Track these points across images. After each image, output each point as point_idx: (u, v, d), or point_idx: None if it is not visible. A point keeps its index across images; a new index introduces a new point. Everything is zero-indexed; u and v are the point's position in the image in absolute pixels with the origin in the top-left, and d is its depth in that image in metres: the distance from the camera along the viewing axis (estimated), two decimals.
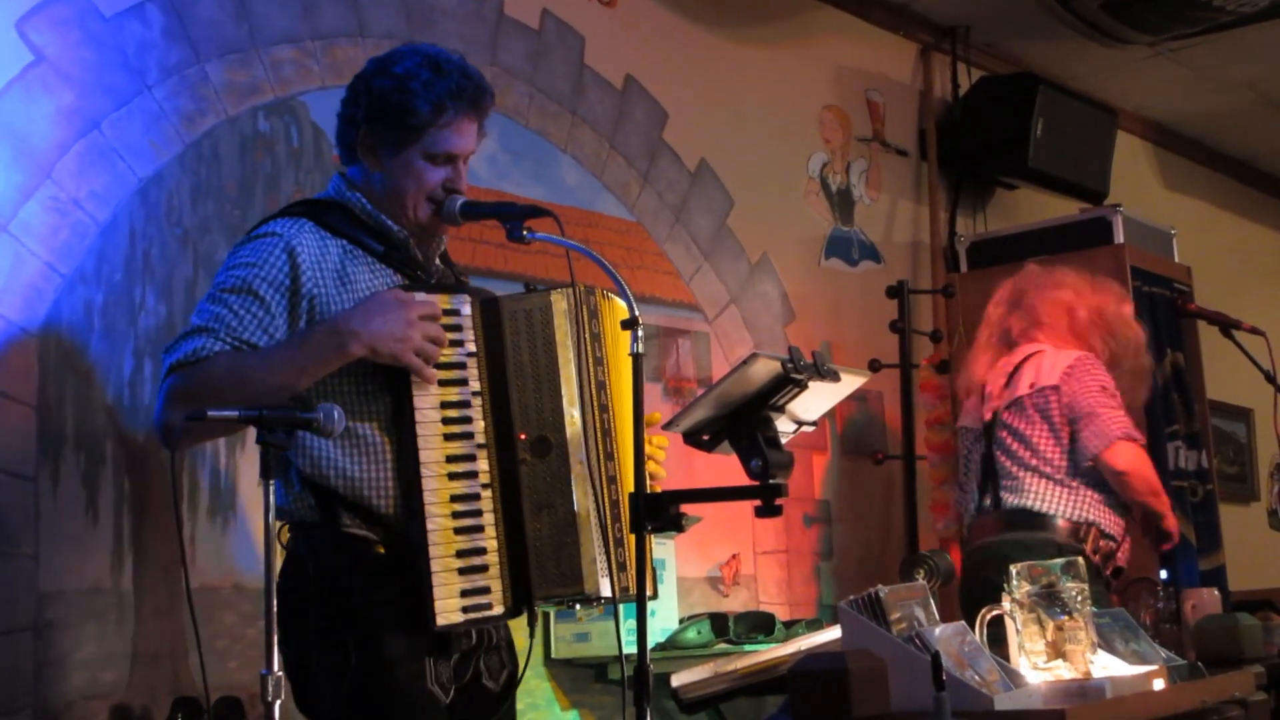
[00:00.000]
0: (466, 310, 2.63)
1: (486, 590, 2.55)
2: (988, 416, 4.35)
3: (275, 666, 2.23)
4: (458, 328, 2.61)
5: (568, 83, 4.62)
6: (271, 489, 2.29)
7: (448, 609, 2.49)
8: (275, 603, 2.26)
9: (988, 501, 4.30)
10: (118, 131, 3.46)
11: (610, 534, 2.63)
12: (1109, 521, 4.16)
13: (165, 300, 3.49)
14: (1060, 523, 4.11)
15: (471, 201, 2.77)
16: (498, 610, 2.57)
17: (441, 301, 2.61)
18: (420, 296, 2.56)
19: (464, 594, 2.52)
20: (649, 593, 2.54)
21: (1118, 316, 4.41)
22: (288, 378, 2.51)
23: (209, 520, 3.46)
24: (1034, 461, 4.21)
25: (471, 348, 2.62)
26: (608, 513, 2.64)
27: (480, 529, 2.56)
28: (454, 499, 2.54)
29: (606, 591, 2.62)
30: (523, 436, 2.62)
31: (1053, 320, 4.36)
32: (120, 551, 3.32)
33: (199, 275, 3.56)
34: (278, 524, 2.59)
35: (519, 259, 4.20)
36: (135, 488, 3.37)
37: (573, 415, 2.64)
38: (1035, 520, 4.13)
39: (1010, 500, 4.22)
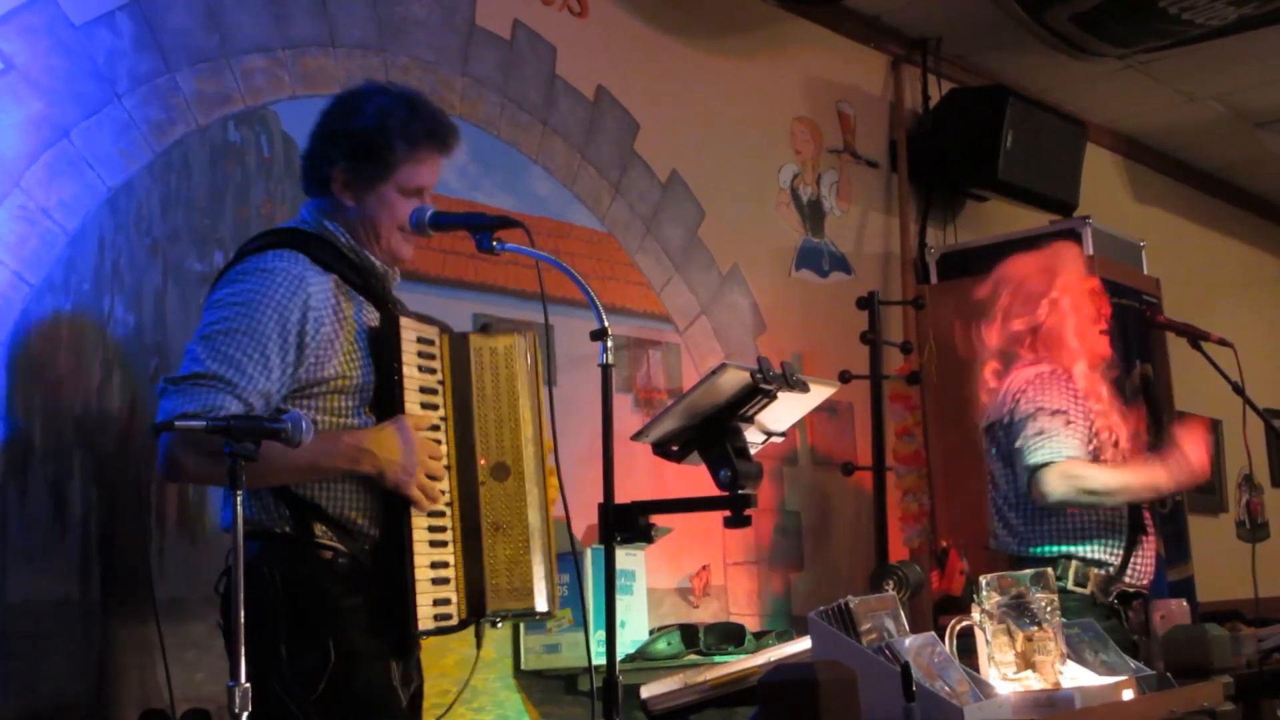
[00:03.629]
0: (437, 341, 2.78)
1: (448, 601, 2.69)
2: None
3: (242, 678, 2.22)
4: (431, 356, 2.75)
5: (539, 93, 4.62)
6: (239, 499, 2.28)
7: (423, 616, 2.63)
8: (242, 614, 2.25)
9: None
10: (87, 140, 3.44)
11: (551, 555, 2.83)
12: (1092, 546, 4.03)
13: (134, 310, 3.47)
14: (1030, 561, 3.93)
15: (441, 212, 2.84)
16: (454, 622, 2.70)
17: (423, 331, 2.75)
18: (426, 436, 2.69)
19: (435, 603, 2.65)
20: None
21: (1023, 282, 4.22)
22: (299, 475, 2.63)
23: (177, 531, 3.43)
24: (999, 500, 4.13)
25: (440, 377, 2.77)
26: (551, 536, 2.83)
27: (445, 544, 2.70)
28: (431, 514, 2.69)
29: (544, 606, 2.80)
30: (483, 462, 2.77)
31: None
32: (88, 563, 3.30)
33: (168, 285, 3.54)
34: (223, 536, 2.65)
35: (489, 269, 4.20)
36: (103, 499, 3.35)
37: (528, 446, 2.81)
38: (1017, 563, 3.97)
39: (992, 544, 4.17)
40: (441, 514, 2.69)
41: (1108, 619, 3.89)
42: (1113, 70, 6.61)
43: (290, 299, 2.63)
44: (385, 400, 2.69)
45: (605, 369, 2.55)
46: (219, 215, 3.67)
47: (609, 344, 2.55)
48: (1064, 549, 4.02)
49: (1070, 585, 3.94)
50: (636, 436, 2.68)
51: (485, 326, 2.90)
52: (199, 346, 2.62)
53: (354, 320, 2.72)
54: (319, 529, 2.65)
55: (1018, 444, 4.00)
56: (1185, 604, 4.10)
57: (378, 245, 2.82)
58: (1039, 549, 4.04)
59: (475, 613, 2.71)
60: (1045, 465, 3.93)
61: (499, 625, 2.85)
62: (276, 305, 2.62)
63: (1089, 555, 4.02)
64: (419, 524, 2.64)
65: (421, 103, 2.87)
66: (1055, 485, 3.92)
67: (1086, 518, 4.04)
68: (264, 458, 2.38)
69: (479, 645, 2.79)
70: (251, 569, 2.48)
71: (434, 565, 2.65)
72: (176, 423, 2.31)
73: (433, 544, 2.66)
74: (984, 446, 4.19)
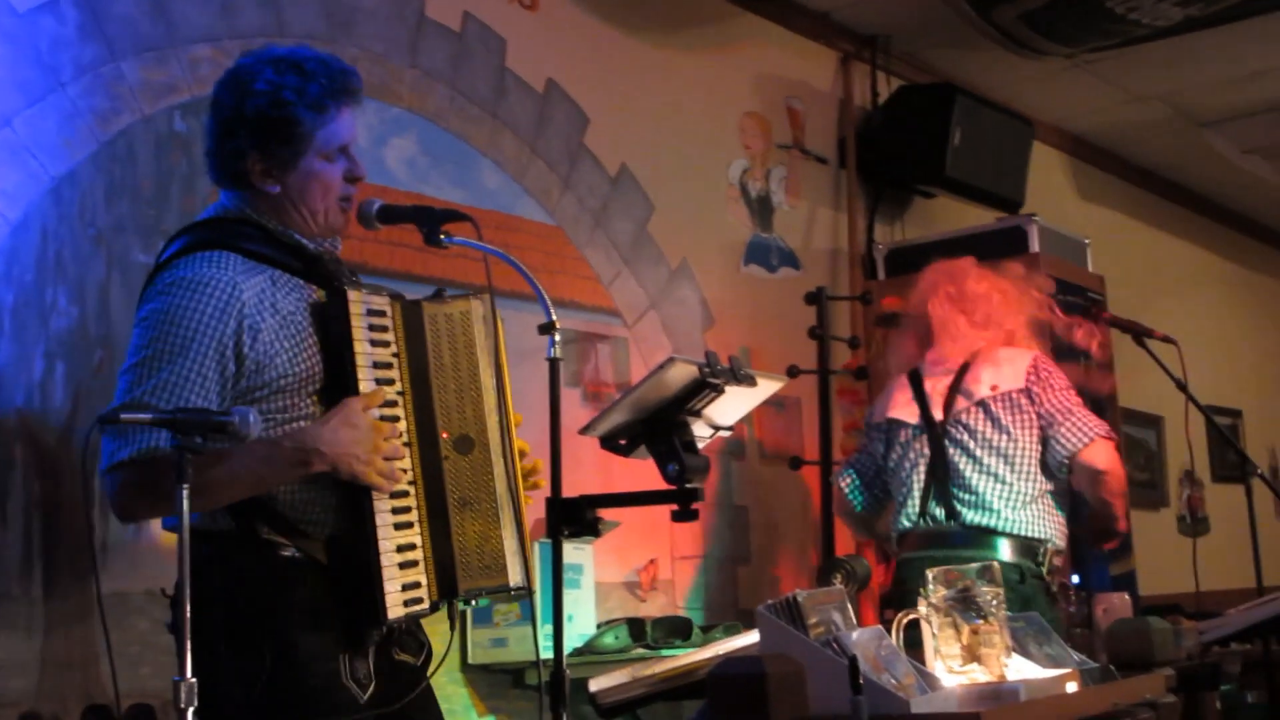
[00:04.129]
0: (389, 311, 2.64)
1: (418, 585, 2.57)
2: (940, 416, 4.13)
3: (188, 673, 2.20)
4: (384, 328, 2.62)
5: (489, 86, 4.61)
6: (185, 493, 2.25)
7: (394, 604, 2.52)
8: (189, 608, 2.23)
9: (939, 510, 4.08)
10: (30, 129, 3.41)
11: (524, 528, 2.69)
12: (1060, 534, 4.05)
13: (77, 302, 3.44)
14: (1016, 541, 3.96)
15: (389, 205, 2.76)
16: (425, 605, 2.59)
17: (373, 302, 2.61)
18: (379, 416, 2.55)
19: (404, 588, 2.55)
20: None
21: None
22: (249, 489, 2.51)
23: (121, 525, 3.39)
24: (1001, 470, 4.02)
25: (395, 349, 2.63)
26: (521, 508, 2.69)
27: (411, 525, 2.59)
28: (393, 495, 2.57)
29: (519, 581, 2.66)
30: (445, 435, 2.64)
31: (996, 316, 4.23)
32: (30, 557, 3.26)
33: (112, 276, 3.51)
34: (167, 533, 2.56)
35: (437, 263, 4.18)
36: (45, 492, 3.31)
37: (492, 415, 2.68)
38: (993, 541, 3.97)
39: (970, 516, 4.03)
40: (405, 494, 2.58)
41: (1053, 606, 3.95)
42: (1060, 69, 6.67)
43: (225, 312, 2.50)
44: (337, 382, 2.57)
45: (553, 363, 2.54)
46: (164, 206, 3.64)
47: (557, 338, 2.55)
48: (1048, 532, 4.03)
49: (1045, 571, 3.98)
50: (584, 430, 2.67)
51: (439, 292, 2.73)
52: (132, 375, 2.49)
53: (296, 309, 2.60)
54: (262, 527, 2.54)
55: (1069, 408, 4.01)
56: (1127, 597, 4.14)
57: (313, 221, 2.67)
58: (1029, 528, 4.01)
59: (447, 593, 2.60)
60: (1104, 438, 3.98)
61: (474, 605, 2.78)
62: (211, 319, 2.49)
63: (1057, 544, 4.06)
64: (381, 507, 2.54)
65: (310, 60, 2.66)
66: (1107, 458, 3.97)
67: (1063, 505, 4.09)
68: (206, 478, 2.31)
69: (453, 627, 2.70)
70: (193, 571, 2.39)
71: (400, 548, 2.55)
72: (122, 415, 2.27)
73: (398, 526, 2.55)
74: (972, 423, 4.10)
